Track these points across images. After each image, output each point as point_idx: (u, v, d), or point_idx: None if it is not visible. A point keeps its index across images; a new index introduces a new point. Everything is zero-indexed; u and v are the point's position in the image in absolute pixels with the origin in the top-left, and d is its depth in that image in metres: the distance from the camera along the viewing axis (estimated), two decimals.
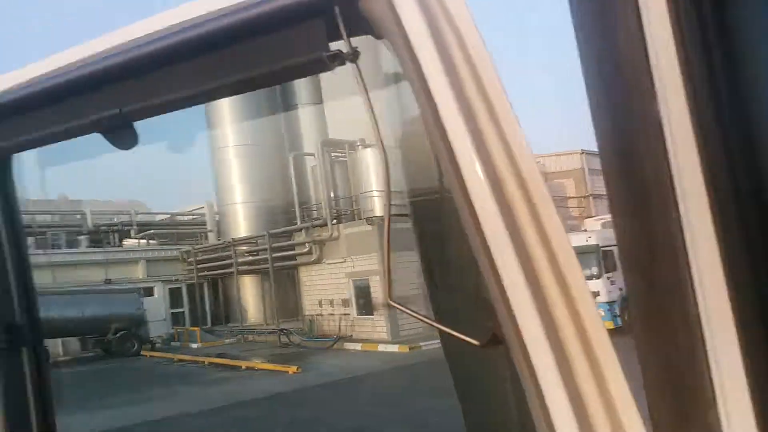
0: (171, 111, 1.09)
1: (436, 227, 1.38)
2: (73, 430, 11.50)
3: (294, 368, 15.00)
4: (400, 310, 0.96)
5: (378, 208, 19.58)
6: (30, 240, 29.01)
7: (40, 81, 1.11)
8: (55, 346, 22.45)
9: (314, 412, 11.33)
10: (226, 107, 25.33)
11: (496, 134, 0.80)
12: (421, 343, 16.92)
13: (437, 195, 1.19)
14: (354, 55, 0.89)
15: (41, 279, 24.56)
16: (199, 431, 10.59)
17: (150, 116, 1.10)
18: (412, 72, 0.84)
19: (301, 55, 0.93)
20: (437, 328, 1.06)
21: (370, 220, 18.92)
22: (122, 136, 1.09)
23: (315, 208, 23.06)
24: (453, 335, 0.90)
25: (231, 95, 1.24)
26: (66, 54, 1.10)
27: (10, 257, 1.40)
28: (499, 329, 0.83)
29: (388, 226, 1.00)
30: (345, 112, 22.65)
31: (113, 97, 1.06)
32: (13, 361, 1.38)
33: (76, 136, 1.16)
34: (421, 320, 0.99)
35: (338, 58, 0.89)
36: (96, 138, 1.11)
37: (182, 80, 1.02)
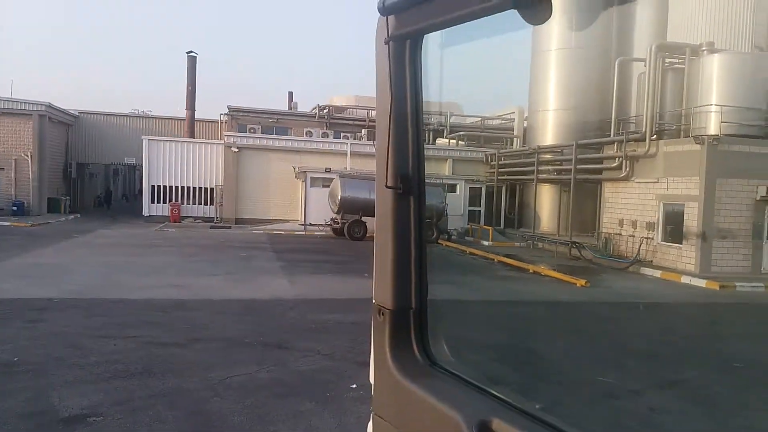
0: None
1: None
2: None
3: (582, 281, 14.55)
4: None
5: (713, 125, 16.83)
6: (363, 131, 33.55)
7: None
8: (371, 224, 26.06)
9: (596, 327, 10.96)
10: (557, 5, 24.13)
11: None
12: (737, 283, 14.64)
13: None
14: None
15: (369, 165, 28.45)
16: (474, 315, 11.24)
17: None
18: None
19: None
20: None
21: (699, 139, 16.44)
22: (536, 8, 1.03)
23: (633, 121, 20.99)
24: None
25: None
26: None
27: (411, 133, 1.47)
28: None
29: None
30: (694, 8, 19.45)
31: None
32: None
33: (492, 13, 1.09)
34: None
35: None
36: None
37: None
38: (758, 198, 15.65)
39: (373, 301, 1.57)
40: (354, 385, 6.80)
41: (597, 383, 7.59)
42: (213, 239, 22.60)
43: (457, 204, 27.11)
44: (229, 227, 27.74)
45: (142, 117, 40.54)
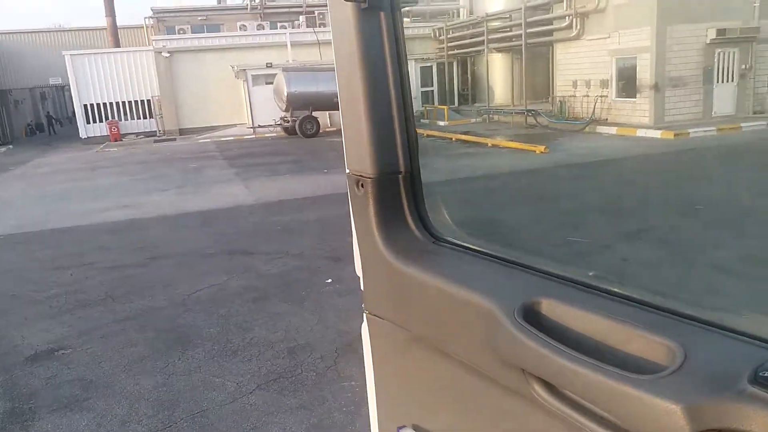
0: None
1: None
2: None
3: (541, 148, 14.49)
4: None
5: None
6: (301, 18, 31.51)
7: None
8: (323, 119, 25.18)
9: (558, 190, 11.02)
10: None
11: None
12: (690, 130, 14.88)
13: None
14: None
15: (313, 56, 27.00)
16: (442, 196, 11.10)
17: None
18: None
19: None
20: None
21: None
22: None
23: None
24: None
25: None
26: None
27: None
28: None
29: None
30: None
31: None
32: None
33: None
34: None
35: None
36: None
37: None
38: (708, 41, 15.47)
39: (347, 170, 1.21)
40: (329, 280, 6.66)
41: (570, 243, 7.66)
42: (158, 154, 21.57)
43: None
44: (174, 139, 26.49)
45: (61, 31, 37.08)
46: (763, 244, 5.27)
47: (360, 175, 1.15)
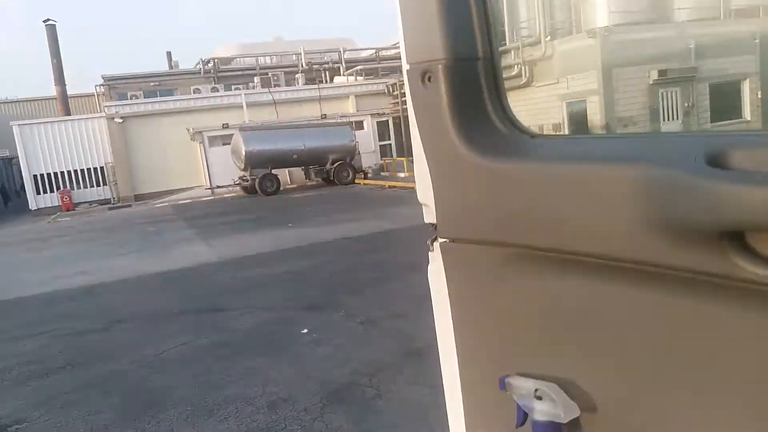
0: None
1: None
2: (322, 235, 12.86)
3: None
4: None
5: (602, 17, 17.15)
6: (256, 80, 31.94)
7: None
8: (284, 176, 25.15)
9: None
10: None
11: None
12: None
13: None
14: None
15: (268, 116, 27.17)
16: (417, 242, 11.03)
17: None
18: None
19: None
20: None
21: (591, 33, 16.73)
22: None
23: (526, 25, 21.08)
24: None
25: None
26: None
27: None
28: None
29: None
30: None
31: None
32: None
33: None
34: None
35: None
36: None
37: None
38: (651, 82, 16.32)
39: (407, 66, 1.02)
40: (305, 330, 6.37)
41: None
42: (114, 220, 20.92)
43: (367, 141, 26.64)
44: (130, 205, 25.85)
45: (8, 103, 36.33)
46: None
47: (427, 63, 0.94)
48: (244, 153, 22.40)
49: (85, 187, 28.24)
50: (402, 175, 23.13)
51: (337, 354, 5.68)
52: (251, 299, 8.02)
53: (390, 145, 28.06)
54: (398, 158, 25.51)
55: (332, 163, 23.35)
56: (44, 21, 30.59)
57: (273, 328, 6.63)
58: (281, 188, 23.53)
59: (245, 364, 5.64)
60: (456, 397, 1.08)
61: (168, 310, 7.97)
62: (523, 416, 0.90)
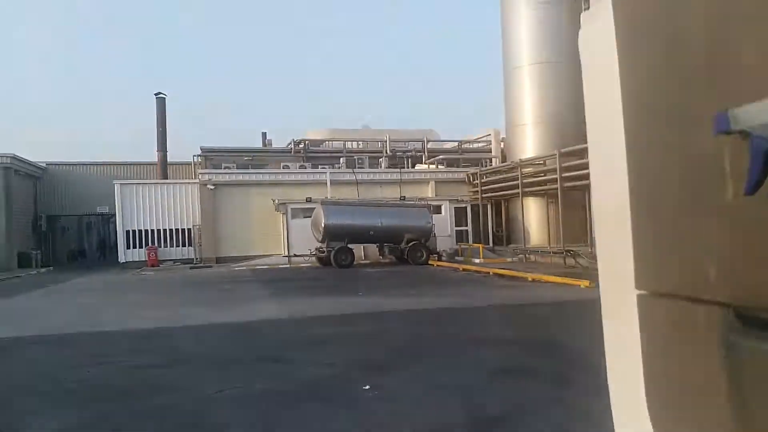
0: None
1: None
2: (392, 305, 12.56)
3: (586, 282, 13.99)
4: None
5: None
6: (342, 161, 33.21)
7: None
8: (359, 251, 25.34)
9: None
10: (523, 23, 24.55)
11: None
12: None
13: None
14: None
15: (349, 194, 27.96)
16: (496, 318, 10.54)
17: None
18: None
19: None
20: None
21: None
22: None
23: None
24: None
25: None
26: None
27: None
28: None
29: None
30: None
31: None
32: None
33: None
34: None
35: None
36: None
37: None
38: None
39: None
40: (367, 386, 6.03)
41: None
42: (193, 277, 21.60)
43: (443, 225, 26.56)
44: (210, 266, 26.71)
45: (113, 165, 39.54)
46: None
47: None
48: (323, 225, 22.87)
49: (172, 246, 29.60)
50: (477, 260, 22.69)
51: (396, 409, 5.29)
52: (314, 354, 7.79)
53: (466, 231, 27.81)
54: (474, 244, 25.13)
55: (407, 243, 23.33)
56: (155, 94, 33.65)
57: (334, 383, 6.33)
58: (355, 262, 23.65)
59: (304, 412, 5.35)
60: None
61: (231, 356, 7.87)
62: None
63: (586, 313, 8.64)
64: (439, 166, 32.36)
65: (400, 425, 4.92)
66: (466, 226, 27.87)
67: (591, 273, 16.42)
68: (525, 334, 8.90)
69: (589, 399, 5.98)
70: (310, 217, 24.66)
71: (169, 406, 5.57)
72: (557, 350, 7.61)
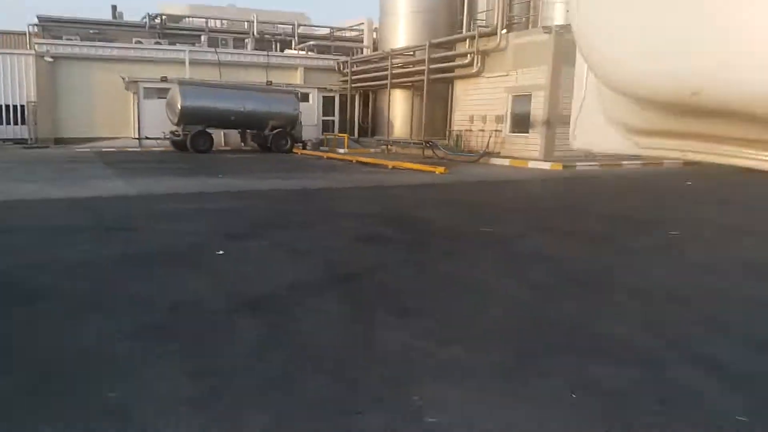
0: None
1: None
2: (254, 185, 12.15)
3: (441, 169, 14.70)
4: None
5: (560, 15, 17.39)
6: (203, 38, 30.65)
7: None
8: (218, 137, 24.13)
9: (461, 196, 11.08)
10: None
11: None
12: (577, 163, 15.85)
13: None
14: None
15: (211, 76, 26.11)
16: (357, 197, 10.75)
17: None
18: None
19: None
20: None
21: (547, 29, 16.91)
22: None
23: (484, 16, 21.21)
24: None
25: None
26: None
27: None
28: None
29: None
30: None
31: None
32: None
33: None
34: None
35: None
36: None
37: None
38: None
39: None
40: (221, 252, 5.95)
41: (484, 233, 7.58)
42: (26, 156, 19.39)
43: (310, 113, 26.00)
44: (47, 147, 24.08)
45: None
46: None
47: None
48: (179, 107, 21.28)
49: (1, 124, 26.08)
50: (342, 150, 22.75)
51: (260, 273, 5.30)
52: (168, 224, 7.47)
53: (333, 121, 27.56)
54: (340, 134, 25.08)
55: (271, 130, 22.62)
56: None
57: (189, 248, 6.15)
58: (214, 148, 22.58)
59: (153, 272, 5.17)
60: None
61: (73, 225, 7.29)
62: None
63: (440, 194, 9.31)
64: (309, 53, 31.14)
65: (257, 283, 4.95)
66: (334, 116, 27.58)
67: (446, 163, 17.28)
68: (384, 210, 9.24)
69: (435, 260, 6.42)
70: (165, 98, 22.81)
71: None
72: (412, 223, 8.02)
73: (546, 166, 16.25)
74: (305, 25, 35.51)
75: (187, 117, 21.44)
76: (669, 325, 4.14)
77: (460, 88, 20.89)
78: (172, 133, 22.50)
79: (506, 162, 17.61)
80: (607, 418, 2.77)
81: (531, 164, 16.77)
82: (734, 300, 4.80)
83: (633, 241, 7.10)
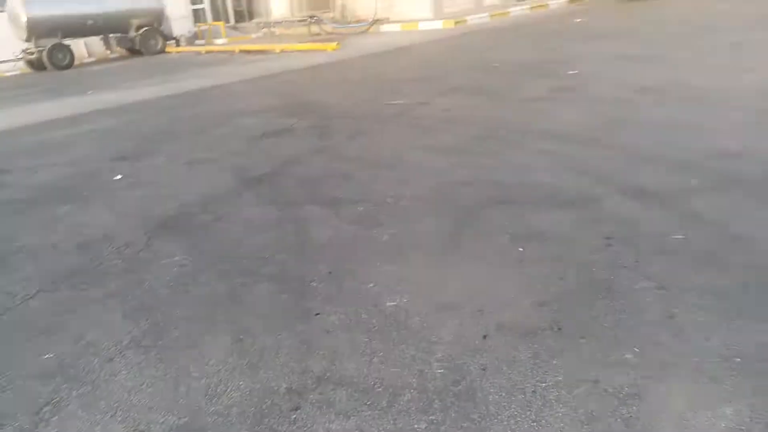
0: None
1: None
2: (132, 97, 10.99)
3: (333, 45, 13.95)
4: None
5: None
6: None
7: None
8: (79, 48, 21.46)
9: (359, 72, 10.64)
10: None
11: None
12: (468, 17, 15.56)
13: None
14: None
15: None
16: (249, 91, 10.02)
17: None
18: None
19: None
20: None
21: None
22: None
23: None
24: None
25: None
26: None
27: None
28: None
29: None
30: None
31: None
32: None
33: None
34: None
35: None
36: None
37: None
38: None
39: None
40: (119, 176, 5.39)
41: (389, 106, 7.34)
42: None
43: (177, 4, 23.47)
44: None
45: None
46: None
47: None
48: (25, 19, 18.45)
49: None
50: (220, 41, 21.03)
51: (160, 192, 4.86)
52: (41, 159, 6.64)
53: (203, 9, 25.15)
54: (215, 23, 23.04)
55: (137, 30, 20.32)
56: None
57: (75, 182, 5.52)
58: (77, 62, 20.14)
59: (43, 214, 4.61)
60: None
61: None
62: None
63: (337, 73, 8.86)
64: None
65: (166, 202, 4.54)
66: (203, 3, 25.12)
67: (336, 38, 16.44)
68: (281, 100, 8.70)
69: (347, 143, 6.20)
70: (4, 11, 19.64)
71: None
72: (314, 110, 7.62)
73: (438, 25, 15.83)
74: None
75: (36, 29, 18.73)
76: (591, 161, 4.25)
77: None
78: (24, 51, 19.70)
79: (397, 27, 16.99)
80: (558, 263, 2.82)
81: (422, 25, 16.28)
82: (645, 125, 4.99)
83: (538, 88, 7.14)
